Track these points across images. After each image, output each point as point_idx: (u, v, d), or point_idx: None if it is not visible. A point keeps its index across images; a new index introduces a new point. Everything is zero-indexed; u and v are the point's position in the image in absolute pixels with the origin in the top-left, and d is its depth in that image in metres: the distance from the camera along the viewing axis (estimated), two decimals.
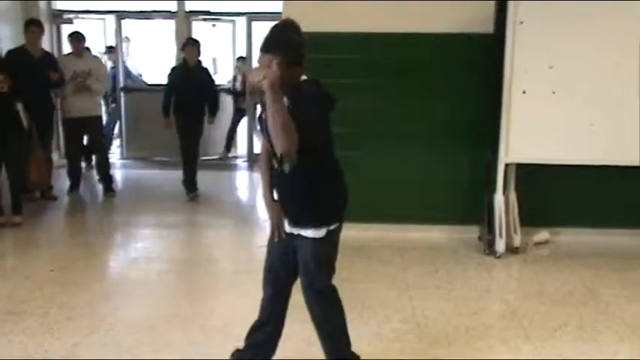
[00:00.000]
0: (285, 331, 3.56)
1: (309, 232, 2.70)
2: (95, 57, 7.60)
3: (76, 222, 6.10)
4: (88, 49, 7.36)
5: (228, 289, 4.33)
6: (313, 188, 2.68)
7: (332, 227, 2.72)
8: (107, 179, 7.02)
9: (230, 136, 9.20)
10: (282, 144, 2.42)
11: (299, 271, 2.82)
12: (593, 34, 4.77)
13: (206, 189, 6.97)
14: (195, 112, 6.72)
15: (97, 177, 7.25)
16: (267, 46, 2.59)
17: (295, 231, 2.74)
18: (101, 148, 7.27)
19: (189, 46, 6.74)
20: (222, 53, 9.82)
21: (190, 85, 6.59)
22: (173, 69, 6.94)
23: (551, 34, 4.78)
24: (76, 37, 6.89)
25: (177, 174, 6.91)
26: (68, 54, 7.08)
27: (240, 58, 9.08)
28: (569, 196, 5.42)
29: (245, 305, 3.99)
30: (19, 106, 5.59)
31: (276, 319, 2.97)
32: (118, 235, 5.69)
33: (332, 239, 2.76)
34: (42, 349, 3.35)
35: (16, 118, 5.58)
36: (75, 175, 6.96)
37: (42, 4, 8.62)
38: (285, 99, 2.51)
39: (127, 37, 9.41)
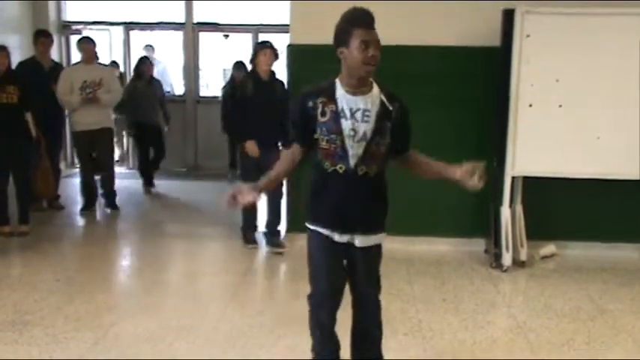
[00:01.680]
0: (290, 342, 3.57)
1: (382, 237, 2.74)
2: (107, 66, 7.36)
3: (83, 232, 6.11)
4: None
5: (233, 301, 4.32)
6: (387, 191, 2.75)
7: None
8: (110, 196, 6.74)
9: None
10: None
11: (365, 283, 2.77)
12: (599, 47, 4.77)
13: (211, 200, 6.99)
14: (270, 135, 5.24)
15: (100, 191, 6.90)
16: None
17: (367, 241, 2.70)
18: (109, 162, 6.80)
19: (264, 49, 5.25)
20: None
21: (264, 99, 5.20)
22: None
23: (557, 47, 4.79)
24: (86, 42, 6.55)
25: (186, 184, 6.94)
26: (76, 63, 6.78)
27: (239, 63, 7.95)
28: (575, 209, 5.40)
29: (249, 316, 4.00)
30: (28, 117, 5.63)
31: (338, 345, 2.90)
32: (124, 245, 5.69)
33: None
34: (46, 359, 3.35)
35: (26, 128, 5.61)
36: (88, 192, 6.66)
37: (51, 15, 8.72)
38: (386, 102, 2.57)
39: (150, 46, 9.27)
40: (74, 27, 8.97)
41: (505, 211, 5.01)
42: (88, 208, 6.62)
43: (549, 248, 5.33)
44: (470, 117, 5.32)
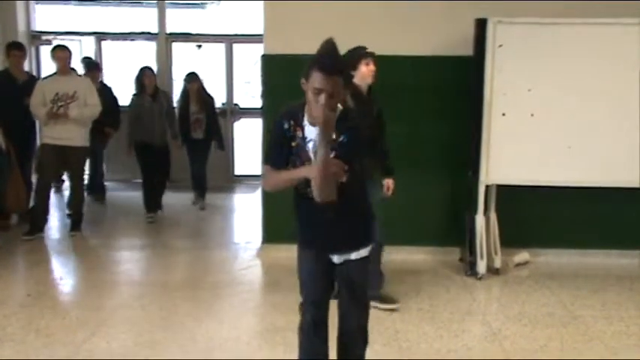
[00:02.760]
0: (266, 354, 3.55)
1: (367, 250, 2.75)
2: (83, 77, 6.49)
3: (54, 246, 6.00)
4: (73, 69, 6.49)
5: (209, 313, 4.28)
6: (369, 204, 2.80)
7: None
8: (77, 217, 6.26)
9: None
10: (326, 195, 2.43)
11: (349, 296, 2.78)
12: (570, 57, 4.85)
13: (188, 212, 6.96)
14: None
15: (67, 211, 6.58)
16: (341, 65, 2.46)
17: (351, 256, 2.71)
18: (78, 183, 6.31)
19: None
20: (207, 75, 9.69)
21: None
22: None
23: (529, 57, 4.85)
24: (60, 50, 6.05)
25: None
26: (49, 75, 6.17)
27: (192, 74, 7.42)
28: (548, 217, 5.46)
29: (226, 329, 3.97)
30: None
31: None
32: (97, 259, 5.61)
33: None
34: None
35: None
36: (36, 214, 6.03)
37: (20, 25, 8.58)
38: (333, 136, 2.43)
39: (88, 59, 8.25)
40: (44, 37, 8.85)
41: (479, 220, 5.05)
42: (34, 233, 5.94)
43: (523, 256, 5.39)
44: (444, 126, 5.36)
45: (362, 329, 2.87)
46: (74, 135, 5.95)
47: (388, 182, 4.40)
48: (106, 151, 7.79)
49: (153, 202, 6.94)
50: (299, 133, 2.57)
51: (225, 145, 7.82)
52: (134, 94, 6.87)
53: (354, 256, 2.72)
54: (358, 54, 4.20)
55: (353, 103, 3.81)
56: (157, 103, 6.80)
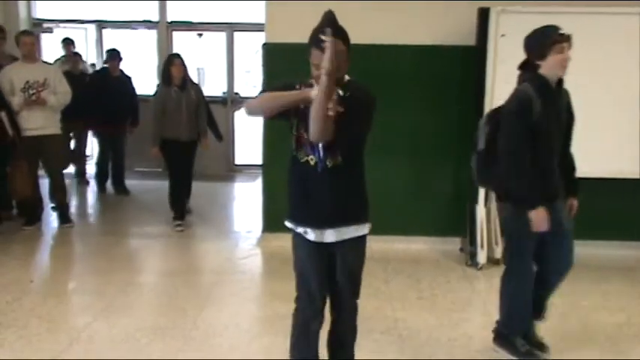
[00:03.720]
0: (266, 341, 3.57)
1: (365, 229, 2.71)
2: (51, 64, 6.24)
3: (57, 233, 6.01)
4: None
5: (209, 301, 4.30)
6: (363, 184, 2.71)
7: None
8: (63, 208, 6.12)
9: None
10: (321, 134, 2.42)
11: (342, 285, 2.75)
12: (573, 47, 4.82)
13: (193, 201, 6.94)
14: None
15: (50, 205, 6.36)
16: (342, 33, 2.52)
17: (347, 233, 2.67)
18: (59, 173, 6.11)
19: None
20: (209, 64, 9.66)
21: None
22: None
23: None
24: (26, 35, 5.83)
25: (156, 184, 6.86)
26: (16, 61, 5.91)
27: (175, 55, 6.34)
28: None
29: (226, 316, 3.98)
30: (3, 115, 5.50)
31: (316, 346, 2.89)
32: (99, 246, 5.62)
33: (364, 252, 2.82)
34: None
35: (0, 127, 5.49)
36: (28, 206, 5.98)
37: (22, 13, 8.55)
38: (339, 91, 2.49)
39: (68, 40, 7.96)
40: (45, 25, 8.82)
41: (480, 210, 5.05)
42: (33, 222, 5.93)
43: None
44: (446, 116, 5.36)
45: (354, 328, 2.90)
46: (50, 123, 5.77)
47: (572, 203, 3.54)
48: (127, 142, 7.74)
49: (180, 207, 6.12)
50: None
51: (222, 135, 7.02)
52: (159, 85, 6.12)
53: (350, 233, 2.67)
54: (549, 37, 3.28)
55: (538, 98, 3.21)
56: (186, 96, 5.91)
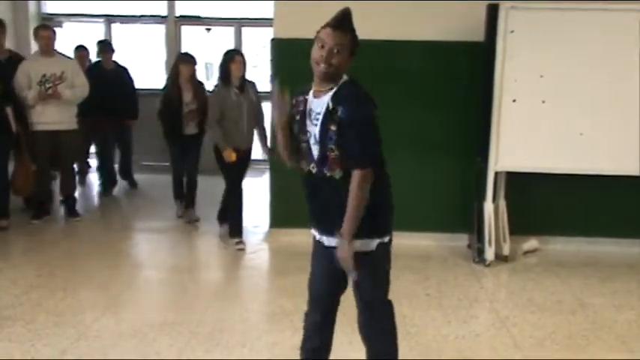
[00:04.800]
0: (274, 337, 3.57)
1: (368, 245, 2.55)
2: (69, 58, 6.20)
3: (64, 227, 6.03)
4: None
5: (217, 296, 4.30)
6: (380, 197, 2.54)
7: (387, 238, 2.63)
8: (70, 200, 6.15)
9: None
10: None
11: (354, 289, 2.68)
12: (582, 43, 4.80)
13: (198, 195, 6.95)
14: None
15: (60, 198, 6.35)
16: (346, 26, 2.44)
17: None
18: (70, 167, 6.21)
19: None
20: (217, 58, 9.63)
21: None
22: None
23: (541, 43, 4.81)
24: (44, 29, 5.84)
25: (163, 178, 6.84)
26: (33, 54, 5.96)
27: (187, 54, 6.19)
28: (557, 204, 5.44)
29: (233, 312, 3.98)
30: (9, 111, 5.52)
31: (326, 348, 2.85)
32: (106, 240, 5.63)
33: (388, 249, 2.67)
34: (28, 356, 3.31)
35: (5, 122, 5.51)
36: (41, 200, 6.01)
37: (31, 7, 8.57)
38: (330, 103, 2.42)
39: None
40: (55, 19, 8.84)
41: (488, 207, 5.04)
42: (41, 216, 5.97)
43: (531, 243, 5.37)
44: (453, 112, 5.33)
45: (378, 330, 2.74)
46: (66, 118, 5.80)
47: None
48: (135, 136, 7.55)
49: (238, 223, 5.43)
50: (301, 107, 2.55)
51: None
52: (218, 85, 5.32)
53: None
54: None
55: None
56: (246, 98, 5.24)
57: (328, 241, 2.61)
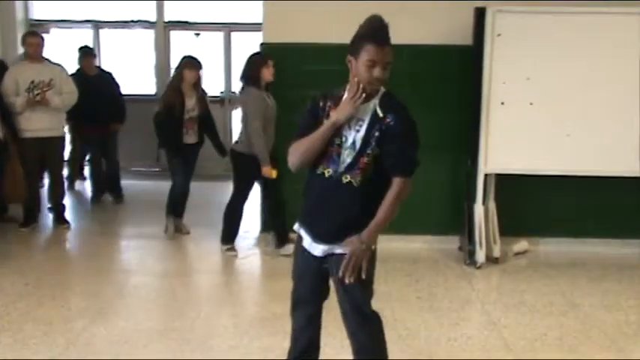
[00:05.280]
0: (265, 342, 3.56)
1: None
2: (57, 64, 6.01)
3: (52, 234, 5.99)
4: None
5: (208, 301, 4.29)
6: (379, 203, 2.53)
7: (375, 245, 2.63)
8: (59, 208, 6.07)
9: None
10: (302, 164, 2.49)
11: (340, 296, 2.64)
12: (570, 46, 4.83)
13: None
14: None
15: (47, 205, 6.27)
16: (389, 39, 2.42)
17: (336, 249, 2.55)
18: (59, 174, 6.10)
19: None
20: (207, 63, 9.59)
21: None
22: None
23: (528, 46, 4.83)
24: (32, 36, 5.77)
25: (152, 184, 6.81)
26: (21, 60, 5.86)
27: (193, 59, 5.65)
28: (547, 206, 5.46)
29: (224, 317, 3.97)
30: None
31: (314, 348, 2.85)
32: (95, 247, 5.60)
33: (375, 257, 2.66)
34: None
35: None
36: (30, 207, 5.90)
37: (18, 13, 8.52)
38: (378, 110, 2.46)
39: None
40: (43, 25, 8.79)
41: (479, 209, 5.05)
42: (29, 224, 5.89)
43: (522, 244, 5.39)
44: (443, 116, 5.34)
45: (371, 344, 2.73)
46: (54, 125, 5.77)
47: None
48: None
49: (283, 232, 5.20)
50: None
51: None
52: (247, 87, 5.03)
53: (339, 250, 2.55)
54: None
55: None
56: (274, 104, 5.05)
57: (318, 250, 2.60)
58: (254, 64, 4.95)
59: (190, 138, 5.57)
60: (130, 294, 4.43)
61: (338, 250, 2.56)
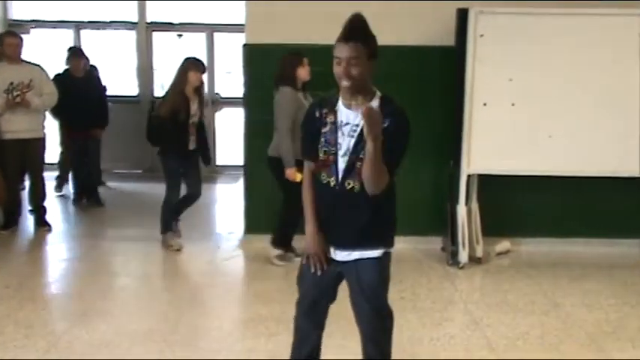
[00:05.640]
0: (249, 344, 3.55)
1: (378, 252, 2.60)
2: (37, 65, 5.87)
3: (33, 237, 5.93)
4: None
5: (191, 304, 4.26)
6: (391, 208, 2.61)
7: (392, 249, 2.69)
8: (40, 210, 6.00)
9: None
10: (379, 186, 2.42)
11: (360, 297, 2.65)
12: (551, 47, 4.87)
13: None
14: None
15: (28, 207, 6.19)
16: (363, 37, 2.43)
17: (358, 254, 2.58)
18: (39, 175, 5.96)
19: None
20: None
21: None
22: None
23: (510, 47, 4.87)
24: (10, 36, 5.70)
25: (141, 186, 6.78)
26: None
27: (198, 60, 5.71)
28: (529, 206, 5.50)
29: (208, 319, 3.96)
30: None
31: (317, 350, 2.86)
32: (77, 249, 5.56)
33: (390, 259, 2.71)
34: None
35: None
36: (10, 209, 5.85)
37: None
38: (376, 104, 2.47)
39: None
40: (22, 26, 8.70)
41: (461, 209, 5.08)
42: (9, 227, 5.82)
43: (504, 245, 5.42)
44: (426, 116, 5.35)
45: (378, 339, 2.78)
46: (35, 126, 5.70)
47: None
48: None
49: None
50: (330, 118, 2.52)
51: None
52: (281, 87, 4.78)
53: (357, 255, 2.59)
54: None
55: None
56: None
57: (337, 254, 2.62)
58: (289, 63, 4.77)
59: (192, 144, 5.30)
60: (112, 297, 4.40)
61: (357, 256, 2.60)
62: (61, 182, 7.47)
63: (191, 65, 5.18)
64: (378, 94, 2.56)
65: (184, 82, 5.13)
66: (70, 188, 7.40)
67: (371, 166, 2.34)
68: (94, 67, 7.33)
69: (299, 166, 4.35)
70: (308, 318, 2.78)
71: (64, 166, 7.36)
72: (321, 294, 2.72)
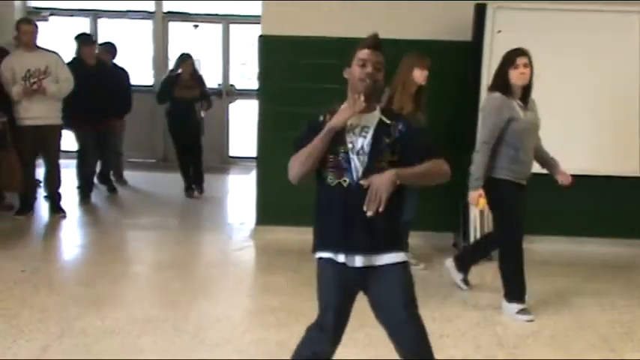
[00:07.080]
0: (258, 335, 3.55)
1: (400, 257, 2.54)
2: (53, 52, 5.90)
3: (49, 222, 5.99)
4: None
5: (202, 293, 4.29)
6: (401, 209, 2.57)
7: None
8: (56, 197, 6.02)
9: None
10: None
11: (393, 305, 2.56)
12: (570, 43, 4.84)
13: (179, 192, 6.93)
14: None
15: (43, 194, 6.28)
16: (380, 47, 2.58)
17: (378, 261, 2.51)
18: (55, 162, 5.97)
19: None
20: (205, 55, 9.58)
21: None
22: None
23: (527, 43, 4.81)
24: (26, 23, 5.77)
25: (155, 176, 6.81)
26: (16, 49, 5.86)
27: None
28: (542, 204, 5.45)
29: (219, 309, 3.97)
30: None
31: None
32: (92, 236, 5.60)
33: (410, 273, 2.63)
34: (11, 352, 3.28)
35: None
36: (25, 194, 5.92)
37: (17, 1, 8.49)
38: (381, 114, 2.55)
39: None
40: (41, 13, 8.76)
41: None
42: (25, 212, 5.91)
43: None
44: (441, 111, 5.34)
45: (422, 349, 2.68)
46: (51, 113, 5.73)
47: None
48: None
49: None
50: None
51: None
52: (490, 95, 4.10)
53: (380, 261, 2.52)
54: None
55: None
56: (532, 116, 4.23)
57: (354, 260, 2.52)
58: (501, 65, 4.05)
59: None
60: (124, 284, 4.44)
61: (378, 262, 2.52)
62: (85, 190, 6.75)
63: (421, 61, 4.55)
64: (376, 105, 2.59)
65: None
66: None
67: (424, 182, 2.66)
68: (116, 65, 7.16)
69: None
70: (326, 339, 2.62)
71: (82, 170, 6.78)
72: (349, 307, 2.60)
